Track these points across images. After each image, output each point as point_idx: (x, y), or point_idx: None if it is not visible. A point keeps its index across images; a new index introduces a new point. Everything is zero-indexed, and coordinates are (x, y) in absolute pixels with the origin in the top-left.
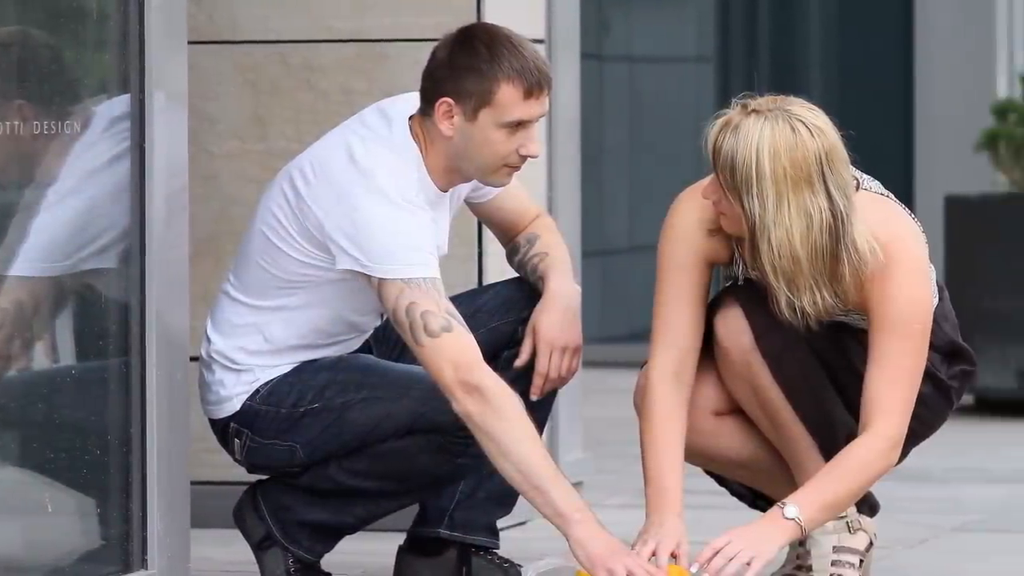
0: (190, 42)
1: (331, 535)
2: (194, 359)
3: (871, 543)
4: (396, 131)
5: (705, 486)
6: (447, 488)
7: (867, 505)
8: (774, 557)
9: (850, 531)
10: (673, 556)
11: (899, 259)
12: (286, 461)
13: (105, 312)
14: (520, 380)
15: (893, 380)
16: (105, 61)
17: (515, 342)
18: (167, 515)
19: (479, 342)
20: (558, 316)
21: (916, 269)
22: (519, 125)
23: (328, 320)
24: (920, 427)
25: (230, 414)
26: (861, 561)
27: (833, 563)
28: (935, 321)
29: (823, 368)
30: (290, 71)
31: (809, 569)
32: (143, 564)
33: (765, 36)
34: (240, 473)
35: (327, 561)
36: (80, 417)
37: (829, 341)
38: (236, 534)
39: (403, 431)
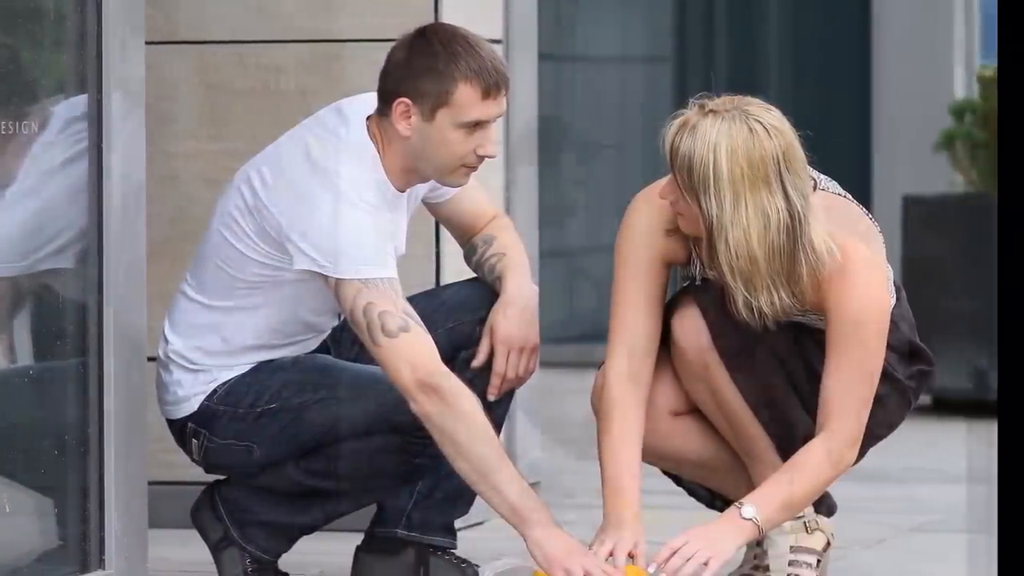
0: (148, 42)
1: (289, 535)
2: (152, 359)
3: (828, 543)
4: (353, 131)
5: (662, 486)
6: (405, 488)
7: (825, 505)
8: (731, 557)
9: (807, 531)
10: (630, 556)
11: (856, 259)
12: (243, 461)
13: (62, 312)
14: (477, 380)
15: (850, 380)
16: (63, 61)
17: (473, 342)
18: (125, 515)
19: (437, 342)
20: (515, 316)
21: (873, 269)
22: (477, 125)
23: (285, 320)
24: (878, 427)
25: (188, 414)
26: (818, 561)
27: (790, 563)
28: (893, 321)
29: (780, 368)
30: (248, 71)
31: (766, 569)
32: (101, 564)
33: (722, 36)
34: (198, 473)
35: (284, 561)
36: (37, 417)
37: (786, 341)
38: (194, 534)
39: (361, 431)
